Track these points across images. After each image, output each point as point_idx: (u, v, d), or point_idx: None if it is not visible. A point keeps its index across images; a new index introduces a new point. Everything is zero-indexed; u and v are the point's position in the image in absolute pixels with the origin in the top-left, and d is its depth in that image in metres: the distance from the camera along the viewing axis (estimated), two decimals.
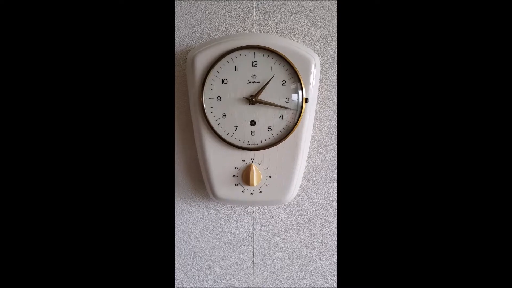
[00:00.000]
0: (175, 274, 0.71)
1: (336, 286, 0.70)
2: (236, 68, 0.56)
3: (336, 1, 0.60)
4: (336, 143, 0.65)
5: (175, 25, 0.62)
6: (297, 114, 0.57)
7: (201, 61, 0.56)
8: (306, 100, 0.57)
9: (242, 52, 0.56)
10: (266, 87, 0.56)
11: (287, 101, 0.57)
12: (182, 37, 0.62)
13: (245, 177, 0.59)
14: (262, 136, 0.58)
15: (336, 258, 0.69)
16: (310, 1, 0.60)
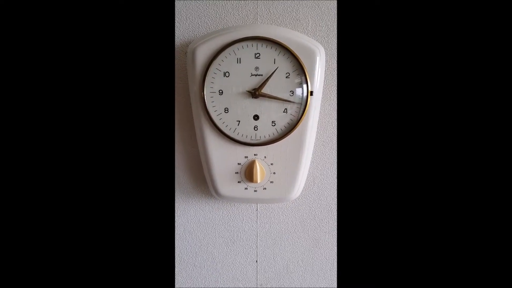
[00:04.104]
0: (177, 274, 0.72)
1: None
2: (238, 61, 0.55)
3: None
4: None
5: (175, 18, 0.60)
6: (302, 108, 0.56)
7: (202, 54, 0.55)
8: (311, 93, 0.56)
9: (244, 43, 0.54)
10: (270, 80, 0.55)
11: (292, 94, 0.56)
12: (182, 30, 0.61)
13: (248, 173, 0.58)
14: (266, 131, 0.57)
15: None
16: None
